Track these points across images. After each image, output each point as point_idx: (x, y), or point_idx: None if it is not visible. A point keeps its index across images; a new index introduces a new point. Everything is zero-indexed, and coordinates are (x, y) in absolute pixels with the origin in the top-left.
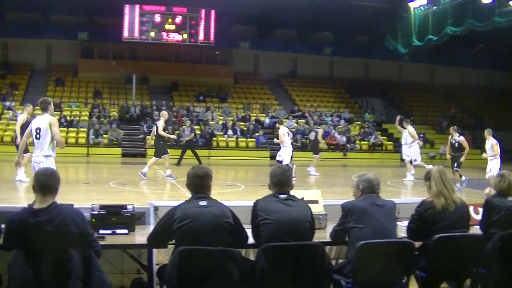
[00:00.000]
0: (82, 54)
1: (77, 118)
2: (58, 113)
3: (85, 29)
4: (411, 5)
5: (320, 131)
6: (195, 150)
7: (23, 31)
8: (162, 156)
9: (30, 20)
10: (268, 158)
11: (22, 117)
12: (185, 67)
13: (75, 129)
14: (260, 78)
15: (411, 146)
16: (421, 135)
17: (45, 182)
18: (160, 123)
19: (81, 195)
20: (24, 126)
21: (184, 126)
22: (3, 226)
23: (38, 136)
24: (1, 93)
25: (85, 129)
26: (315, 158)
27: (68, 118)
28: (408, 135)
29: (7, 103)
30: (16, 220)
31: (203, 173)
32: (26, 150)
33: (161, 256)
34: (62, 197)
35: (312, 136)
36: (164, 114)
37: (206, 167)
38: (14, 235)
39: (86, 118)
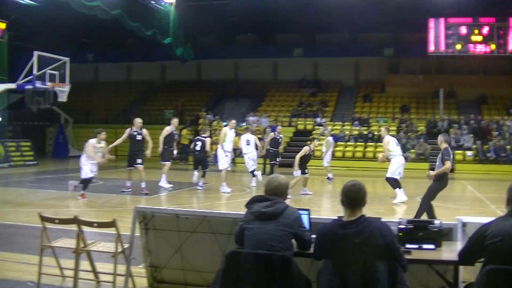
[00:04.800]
0: (388, 70)
1: None
2: (366, 128)
3: (390, 46)
4: None
5: None
6: None
7: (331, 51)
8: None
9: (338, 40)
10: None
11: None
12: (494, 80)
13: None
14: None
15: None
16: None
17: (355, 197)
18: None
19: (388, 209)
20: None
21: None
22: (314, 236)
23: None
24: (312, 110)
25: None
26: None
27: (375, 133)
28: None
29: (318, 120)
30: (326, 231)
31: None
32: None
33: (468, 274)
34: (370, 211)
35: None
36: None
37: None
38: (324, 246)
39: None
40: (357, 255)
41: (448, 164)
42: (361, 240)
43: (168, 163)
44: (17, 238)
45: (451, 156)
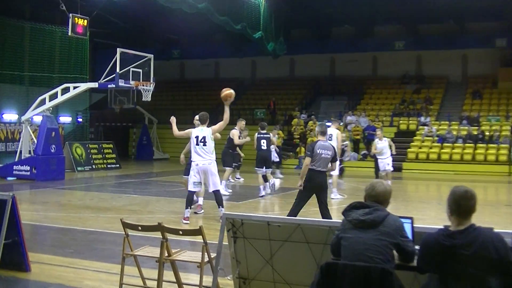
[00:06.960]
0: (501, 62)
1: (498, 133)
2: (476, 128)
3: (503, 35)
4: None
5: None
6: None
7: (436, 42)
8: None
9: (443, 30)
10: None
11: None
12: None
13: (495, 145)
14: None
15: None
16: None
17: (466, 206)
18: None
19: (501, 218)
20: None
21: None
22: (417, 247)
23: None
24: (416, 108)
25: (506, 145)
26: None
27: (487, 133)
28: None
29: (422, 119)
30: (431, 242)
31: None
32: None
33: None
34: (481, 219)
35: None
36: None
37: None
38: (429, 258)
39: (508, 133)
40: (466, 269)
41: (307, 161)
42: (471, 252)
43: (229, 169)
44: (98, 245)
45: (318, 151)
